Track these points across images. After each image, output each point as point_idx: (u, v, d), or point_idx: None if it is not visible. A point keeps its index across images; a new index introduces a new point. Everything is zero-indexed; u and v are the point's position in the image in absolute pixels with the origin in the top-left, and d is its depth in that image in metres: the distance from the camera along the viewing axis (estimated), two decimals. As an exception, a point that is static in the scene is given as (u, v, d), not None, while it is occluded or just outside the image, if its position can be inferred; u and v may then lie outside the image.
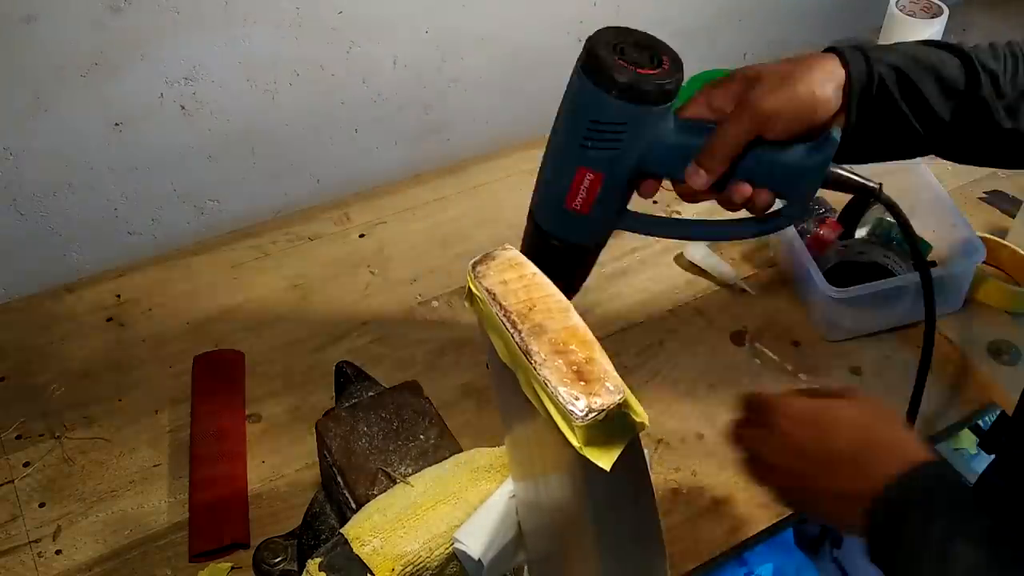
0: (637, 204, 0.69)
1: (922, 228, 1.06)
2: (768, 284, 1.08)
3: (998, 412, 0.96)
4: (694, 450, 0.89)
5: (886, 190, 0.68)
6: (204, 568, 0.78)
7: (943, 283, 0.98)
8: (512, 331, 0.47)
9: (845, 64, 0.65)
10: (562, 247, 0.69)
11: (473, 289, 0.51)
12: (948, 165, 1.25)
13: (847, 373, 0.98)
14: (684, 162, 0.64)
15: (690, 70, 0.65)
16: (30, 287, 1.05)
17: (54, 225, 1.04)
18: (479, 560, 0.62)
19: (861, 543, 0.57)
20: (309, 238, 1.13)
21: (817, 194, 0.69)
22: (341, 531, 0.64)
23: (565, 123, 0.64)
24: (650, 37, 0.62)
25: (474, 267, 0.51)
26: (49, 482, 0.85)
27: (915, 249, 0.71)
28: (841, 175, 0.66)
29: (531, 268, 0.51)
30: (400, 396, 0.74)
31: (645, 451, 0.49)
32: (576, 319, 0.48)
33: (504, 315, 0.48)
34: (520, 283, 0.50)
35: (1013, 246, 1.08)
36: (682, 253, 1.11)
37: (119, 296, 1.05)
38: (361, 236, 1.14)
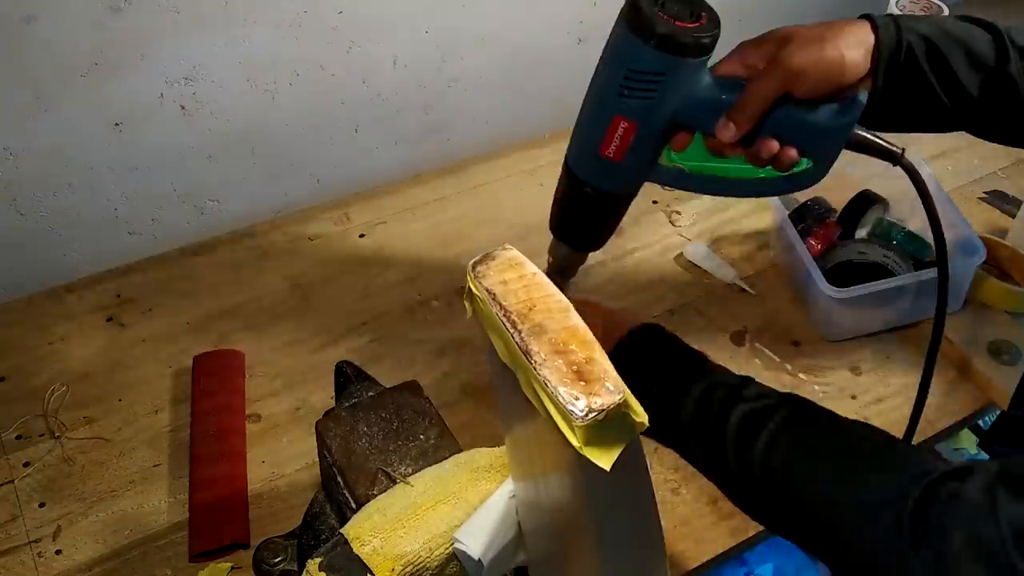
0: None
1: (922, 228, 1.07)
2: (768, 284, 1.08)
3: (998, 412, 0.96)
4: (694, 450, 0.89)
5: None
6: (204, 568, 0.78)
7: (943, 283, 0.98)
8: (512, 331, 0.47)
9: (875, 30, 0.67)
10: (595, 195, 0.71)
11: (473, 289, 0.51)
12: (948, 165, 1.26)
13: (847, 373, 0.98)
14: (716, 116, 0.66)
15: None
16: (30, 287, 1.05)
17: (54, 225, 1.04)
18: (479, 560, 0.62)
19: None
20: (309, 238, 1.13)
21: (834, 165, 0.70)
22: (341, 531, 0.64)
23: (604, 72, 0.66)
24: None
25: (474, 267, 0.51)
26: (49, 482, 0.85)
27: (934, 219, 0.71)
28: (865, 137, 0.68)
29: (531, 268, 0.51)
30: (400, 396, 0.74)
31: (645, 451, 0.49)
32: (576, 319, 0.48)
33: (504, 315, 0.48)
34: (520, 283, 0.50)
35: (1013, 246, 1.08)
36: (682, 253, 1.11)
37: (119, 296, 1.05)
38: (361, 236, 1.14)
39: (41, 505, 0.83)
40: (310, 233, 1.14)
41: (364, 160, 1.21)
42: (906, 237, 1.06)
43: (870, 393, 0.96)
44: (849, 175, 1.10)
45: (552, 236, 0.77)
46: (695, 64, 0.63)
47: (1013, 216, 1.15)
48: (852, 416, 0.59)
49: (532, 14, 1.21)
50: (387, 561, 0.62)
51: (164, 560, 0.79)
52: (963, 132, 0.72)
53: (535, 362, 0.46)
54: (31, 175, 0.99)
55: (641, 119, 0.65)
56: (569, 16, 1.24)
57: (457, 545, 0.63)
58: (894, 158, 0.69)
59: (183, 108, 1.04)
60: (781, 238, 1.07)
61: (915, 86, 0.68)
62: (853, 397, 0.95)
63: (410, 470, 0.68)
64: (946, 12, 1.26)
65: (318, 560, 0.63)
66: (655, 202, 1.18)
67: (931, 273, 0.95)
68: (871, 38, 0.66)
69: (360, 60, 1.12)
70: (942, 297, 0.73)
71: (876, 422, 0.66)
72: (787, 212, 1.08)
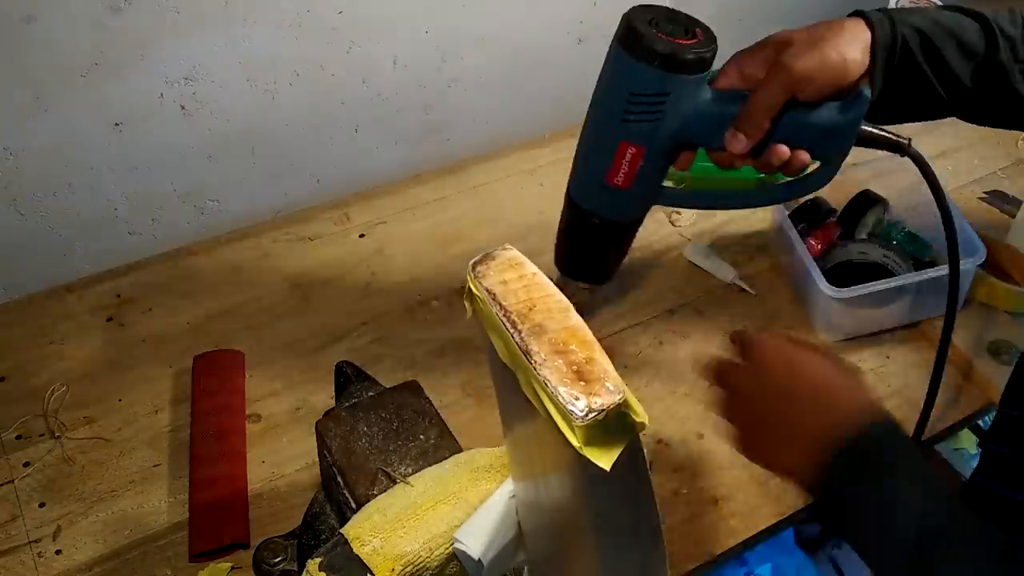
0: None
1: (922, 228, 1.07)
2: (768, 284, 1.08)
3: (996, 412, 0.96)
4: (694, 450, 0.89)
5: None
6: (204, 568, 0.78)
7: (943, 283, 0.98)
8: (512, 331, 0.47)
9: (870, 26, 0.67)
10: (602, 225, 0.70)
11: (473, 289, 0.51)
12: (948, 165, 1.26)
13: (847, 373, 0.98)
14: (721, 130, 0.66)
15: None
16: (30, 287, 1.05)
17: (54, 225, 1.04)
18: (479, 560, 0.62)
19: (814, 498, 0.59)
20: (309, 238, 1.13)
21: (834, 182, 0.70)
22: (341, 531, 0.64)
23: (604, 100, 0.65)
24: (678, 11, 0.64)
25: (474, 267, 0.51)
26: (49, 482, 0.85)
27: (943, 207, 0.71)
28: (872, 132, 0.68)
29: (531, 268, 0.51)
30: (400, 396, 0.74)
31: (645, 451, 0.49)
32: (576, 319, 0.48)
33: (504, 315, 0.48)
34: (520, 283, 0.50)
35: (1013, 246, 1.08)
36: (682, 253, 1.11)
37: (119, 296, 1.05)
38: (361, 236, 1.14)
39: (41, 505, 0.83)
40: (310, 233, 1.14)
41: (364, 160, 1.21)
42: (906, 237, 1.06)
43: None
44: (849, 175, 1.10)
45: (559, 274, 0.76)
46: (697, 80, 0.63)
47: (1013, 216, 1.14)
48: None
49: (532, 14, 1.21)
50: (387, 561, 0.62)
51: (164, 560, 0.79)
52: (963, 132, 0.73)
53: (535, 362, 0.46)
54: (31, 175, 0.99)
55: (648, 142, 0.65)
56: (569, 16, 1.24)
57: (457, 545, 0.63)
58: (901, 148, 0.69)
59: (183, 108, 1.04)
60: (781, 238, 1.07)
61: (911, 79, 0.69)
62: (853, 397, 0.95)
63: (410, 470, 0.68)
64: (938, 2, 1.26)
65: (318, 560, 0.63)
66: (655, 202, 1.18)
67: (931, 273, 0.95)
68: (867, 35, 0.67)
69: (360, 60, 1.12)
70: (953, 291, 0.73)
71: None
72: (787, 212, 1.08)
